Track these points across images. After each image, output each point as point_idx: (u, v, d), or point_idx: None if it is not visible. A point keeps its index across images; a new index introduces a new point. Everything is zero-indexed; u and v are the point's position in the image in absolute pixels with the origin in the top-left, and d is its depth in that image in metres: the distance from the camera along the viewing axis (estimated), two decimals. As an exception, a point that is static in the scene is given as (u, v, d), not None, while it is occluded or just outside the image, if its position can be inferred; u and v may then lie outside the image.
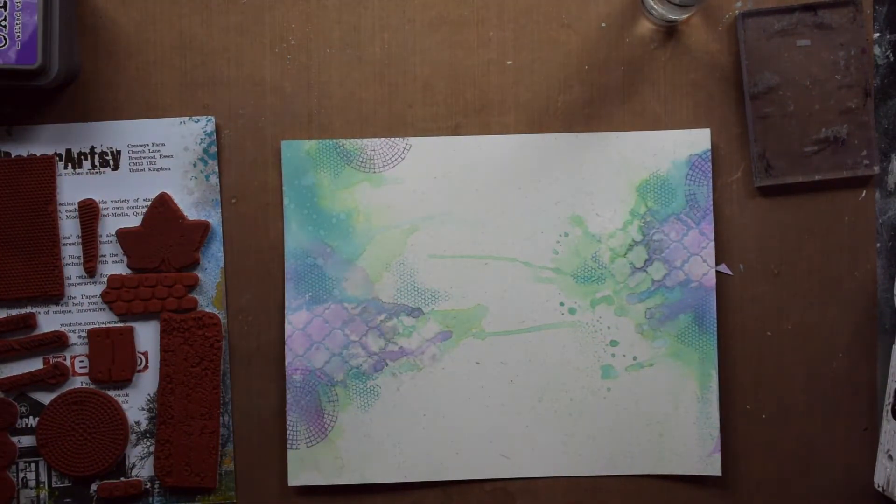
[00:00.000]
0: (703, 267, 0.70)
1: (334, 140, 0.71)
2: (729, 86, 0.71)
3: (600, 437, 0.70)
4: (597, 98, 0.72)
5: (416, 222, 0.71)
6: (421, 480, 0.71)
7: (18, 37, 0.65)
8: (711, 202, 0.70)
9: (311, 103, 0.71)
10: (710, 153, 0.70)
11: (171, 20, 0.71)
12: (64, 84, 0.70)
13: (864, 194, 0.72)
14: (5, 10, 0.64)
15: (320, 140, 0.71)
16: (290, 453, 0.70)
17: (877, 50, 0.71)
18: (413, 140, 0.71)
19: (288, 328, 0.70)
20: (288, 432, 0.70)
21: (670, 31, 0.71)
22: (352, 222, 0.71)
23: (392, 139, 0.71)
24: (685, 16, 0.69)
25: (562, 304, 0.70)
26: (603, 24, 0.71)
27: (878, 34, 0.71)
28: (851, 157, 0.70)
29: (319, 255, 0.71)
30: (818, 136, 0.70)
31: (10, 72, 0.65)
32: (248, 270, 0.71)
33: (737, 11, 0.71)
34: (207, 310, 0.71)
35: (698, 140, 0.70)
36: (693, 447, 0.70)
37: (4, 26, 0.64)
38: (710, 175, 0.70)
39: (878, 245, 0.72)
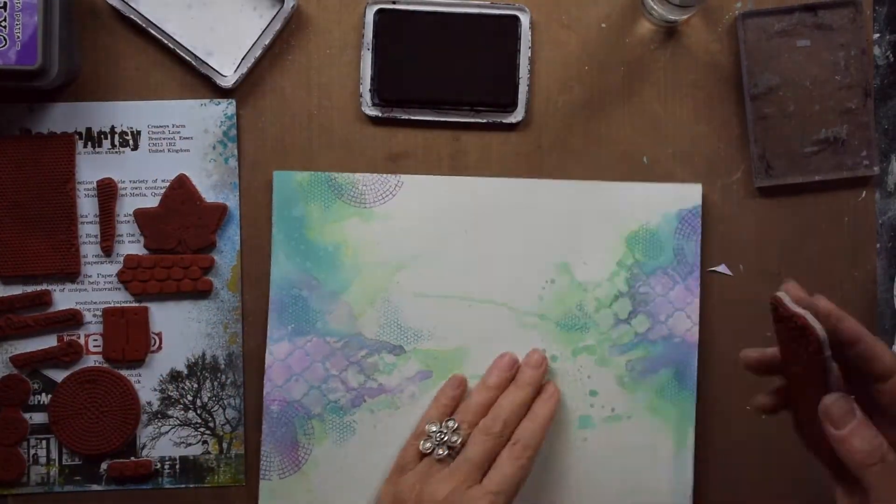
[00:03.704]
0: (686, 323, 0.70)
1: (326, 173, 0.70)
2: (729, 86, 0.72)
3: (574, 486, 0.70)
4: (597, 98, 0.72)
5: (404, 260, 0.70)
6: None
7: (18, 37, 0.65)
8: (699, 258, 0.70)
9: (312, 104, 0.72)
10: (700, 208, 0.70)
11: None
12: (64, 84, 0.70)
13: (864, 195, 0.72)
14: (5, 11, 0.64)
15: (312, 172, 0.70)
16: (262, 484, 0.70)
17: (877, 50, 0.71)
18: (405, 177, 0.71)
19: (269, 358, 0.70)
20: (262, 463, 0.70)
21: (670, 31, 0.71)
22: (339, 256, 0.70)
23: (384, 175, 0.71)
24: (685, 16, 0.69)
25: (544, 350, 0.70)
26: (603, 25, 0.72)
27: (878, 35, 0.71)
28: (851, 157, 0.70)
29: (305, 287, 0.70)
30: (818, 136, 0.70)
31: (9, 72, 0.65)
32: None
33: (737, 12, 0.71)
34: (222, 292, 0.71)
35: (689, 194, 0.70)
36: None
37: (4, 27, 0.64)
38: (700, 230, 0.70)
39: (878, 245, 0.72)
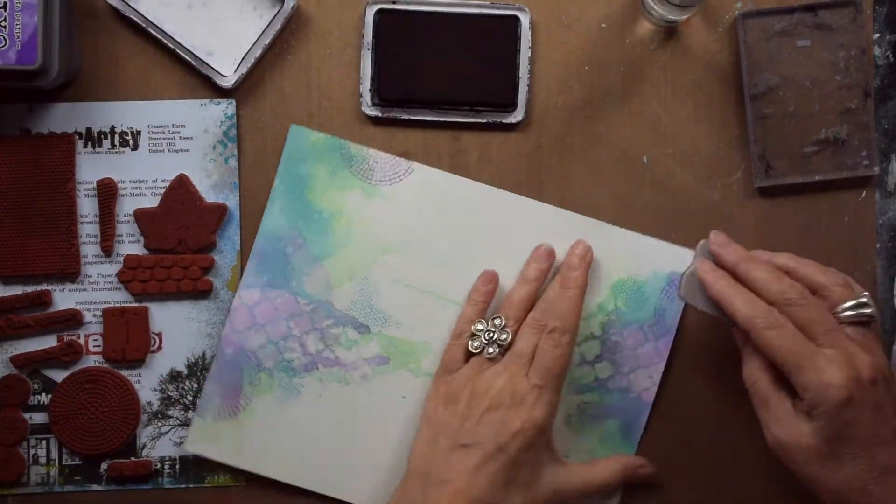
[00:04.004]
0: (647, 382, 0.70)
1: (342, 140, 0.70)
2: (729, 86, 0.72)
3: None
4: (597, 98, 0.72)
5: (393, 244, 0.70)
6: (308, 489, 0.70)
7: (18, 37, 0.65)
8: (677, 323, 0.70)
9: (312, 104, 0.72)
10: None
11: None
12: (64, 84, 0.70)
13: (864, 195, 0.72)
14: (5, 11, 0.64)
15: (328, 136, 0.70)
16: (195, 420, 0.70)
17: (877, 50, 0.71)
18: (417, 165, 0.71)
19: (236, 301, 0.70)
20: (201, 400, 0.70)
21: (670, 31, 0.71)
22: (332, 223, 0.70)
23: (397, 158, 0.71)
24: (685, 16, 0.69)
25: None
26: (603, 25, 0.72)
27: (877, 35, 0.71)
28: (851, 157, 0.70)
29: (291, 244, 0.70)
30: (818, 136, 0.70)
31: (9, 72, 0.65)
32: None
33: (737, 12, 0.71)
34: (222, 292, 0.71)
35: (685, 258, 0.69)
36: None
37: (4, 27, 0.64)
38: None
39: (878, 245, 0.72)
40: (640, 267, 0.70)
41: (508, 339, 0.66)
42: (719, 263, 0.64)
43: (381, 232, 0.71)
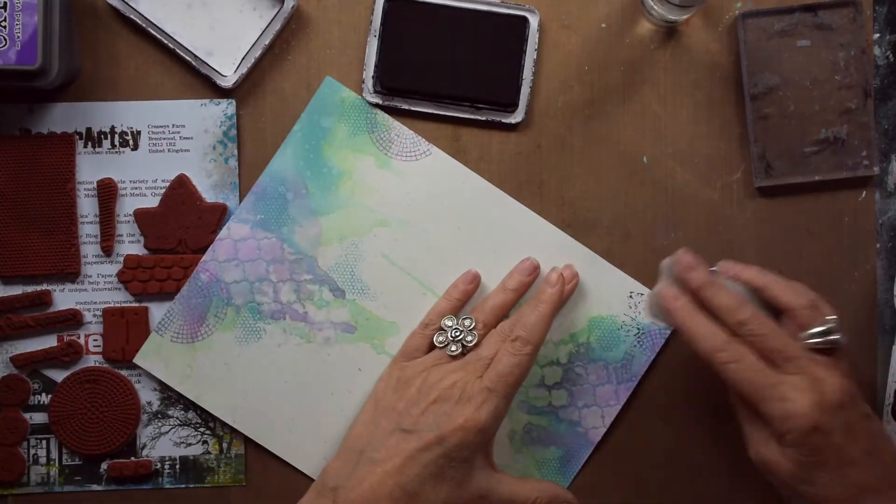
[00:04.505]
0: (598, 421, 0.71)
1: (371, 106, 0.71)
2: (729, 86, 0.72)
3: None
4: (597, 98, 0.72)
5: (390, 219, 0.71)
6: (245, 434, 0.71)
7: (18, 37, 0.65)
8: (642, 374, 0.70)
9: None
10: (668, 332, 0.70)
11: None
12: (64, 84, 0.70)
13: (863, 195, 0.72)
14: (5, 11, 0.64)
15: (360, 97, 0.71)
16: (152, 335, 0.70)
17: (877, 50, 0.71)
18: (435, 149, 0.71)
19: (223, 232, 0.70)
20: (163, 317, 0.70)
21: (670, 31, 0.71)
22: (338, 182, 0.71)
23: (419, 138, 0.71)
24: (685, 16, 0.69)
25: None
26: (603, 25, 0.71)
27: (877, 35, 0.71)
28: (851, 157, 0.70)
29: (291, 190, 0.70)
30: (818, 136, 0.70)
31: (9, 72, 0.65)
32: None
33: (737, 12, 0.71)
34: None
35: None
36: None
37: (4, 27, 0.64)
38: (657, 352, 0.70)
39: (878, 245, 0.72)
40: (621, 308, 0.71)
41: (474, 342, 0.66)
42: (684, 285, 0.63)
43: (382, 204, 0.71)
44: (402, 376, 0.66)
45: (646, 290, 0.71)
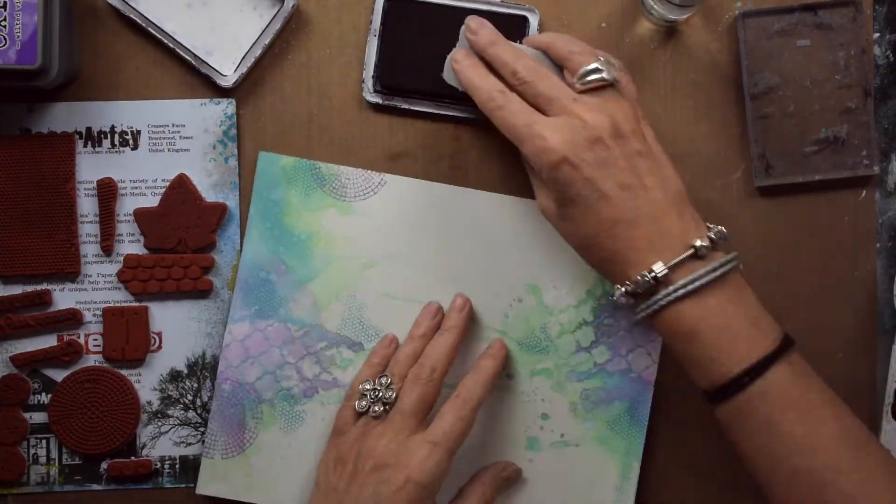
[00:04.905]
0: (646, 360, 0.70)
1: (311, 161, 0.70)
2: (729, 86, 0.71)
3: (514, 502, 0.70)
4: (597, 98, 0.72)
5: (375, 258, 0.70)
6: None
7: (18, 37, 0.65)
8: None
9: (312, 104, 0.72)
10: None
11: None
12: (64, 84, 0.70)
13: (863, 194, 0.72)
14: (5, 10, 0.64)
15: (297, 158, 0.70)
16: (203, 461, 0.70)
17: (877, 50, 0.71)
18: (389, 177, 0.70)
19: (227, 338, 0.70)
20: (206, 439, 0.70)
21: (670, 31, 0.71)
22: (311, 245, 0.70)
23: (368, 172, 0.70)
24: (685, 16, 0.69)
25: (503, 369, 0.70)
26: (603, 24, 0.71)
27: (877, 34, 0.71)
28: (851, 157, 0.70)
29: (273, 271, 0.70)
30: (818, 136, 0.70)
31: (9, 72, 0.65)
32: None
33: (737, 11, 0.71)
34: (222, 291, 0.71)
35: None
36: None
37: (4, 26, 0.64)
38: None
39: (878, 245, 0.72)
40: None
41: (393, 397, 0.64)
42: (473, 47, 0.65)
43: (360, 248, 0.70)
44: (338, 455, 0.64)
45: None
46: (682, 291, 0.59)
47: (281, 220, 0.70)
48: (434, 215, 0.71)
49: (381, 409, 0.65)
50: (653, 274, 0.59)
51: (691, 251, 0.60)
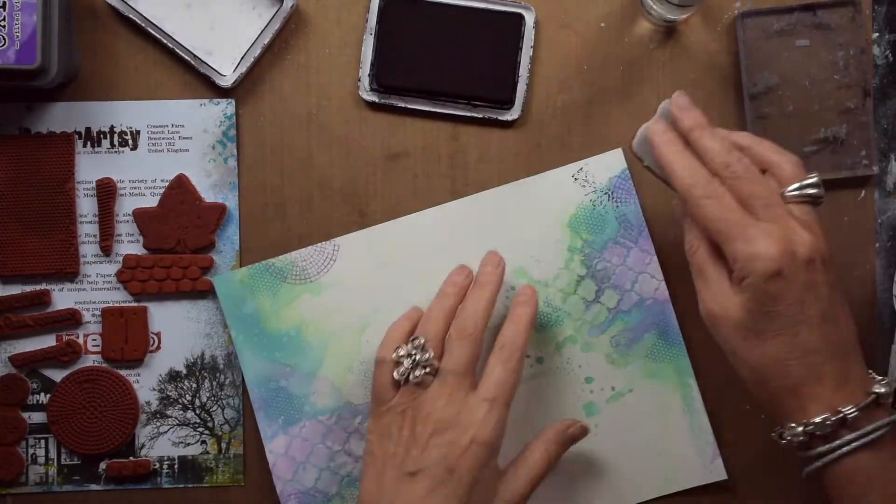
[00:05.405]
0: (652, 283, 0.70)
1: (263, 262, 0.70)
2: (728, 86, 0.72)
3: (601, 474, 0.70)
4: (596, 98, 0.72)
5: (365, 318, 0.70)
6: None
7: (17, 37, 0.65)
8: (643, 218, 0.70)
9: (311, 104, 0.72)
10: (627, 171, 0.70)
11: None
12: (63, 84, 0.70)
13: (863, 194, 0.72)
14: (4, 10, 0.65)
15: (249, 266, 0.70)
16: None
17: (876, 50, 0.71)
18: (339, 240, 0.70)
19: (270, 457, 0.70)
20: None
21: (670, 31, 0.71)
22: (303, 336, 0.70)
23: (319, 245, 0.70)
24: (684, 16, 0.69)
25: (528, 356, 0.70)
26: (602, 24, 0.72)
27: (877, 34, 0.71)
28: (850, 157, 0.70)
29: (281, 377, 0.70)
30: (817, 136, 0.70)
31: (9, 72, 0.65)
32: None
33: (736, 11, 0.71)
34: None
35: (613, 162, 0.70)
36: (693, 458, 0.70)
37: (3, 26, 0.65)
38: (635, 192, 0.70)
39: (878, 245, 0.72)
40: (580, 193, 0.70)
41: (431, 358, 0.62)
42: (676, 127, 0.61)
43: (347, 315, 0.70)
44: (387, 424, 0.62)
45: (584, 164, 0.70)
46: (865, 439, 0.56)
47: (264, 329, 0.70)
48: (398, 252, 0.70)
49: (423, 372, 0.62)
50: (840, 415, 0.56)
51: (873, 397, 0.57)
